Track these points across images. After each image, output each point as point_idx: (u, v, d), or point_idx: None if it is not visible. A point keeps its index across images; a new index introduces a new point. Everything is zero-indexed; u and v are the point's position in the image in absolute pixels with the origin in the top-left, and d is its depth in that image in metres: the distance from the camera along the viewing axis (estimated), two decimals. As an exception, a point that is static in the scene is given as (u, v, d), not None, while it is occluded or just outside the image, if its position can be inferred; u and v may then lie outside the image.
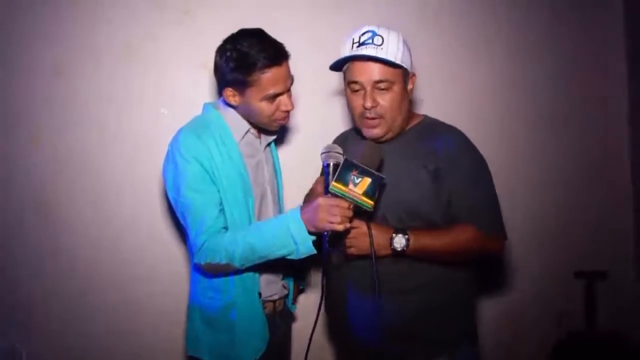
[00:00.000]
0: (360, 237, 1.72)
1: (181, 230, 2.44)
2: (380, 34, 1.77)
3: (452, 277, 1.85)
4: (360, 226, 1.72)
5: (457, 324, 1.87)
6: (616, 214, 2.93)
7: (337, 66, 1.85)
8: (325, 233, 1.64)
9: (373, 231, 1.70)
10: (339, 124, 2.41)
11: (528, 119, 2.87)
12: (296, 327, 2.24)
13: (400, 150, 1.84)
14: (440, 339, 1.83)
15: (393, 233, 1.73)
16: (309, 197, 1.98)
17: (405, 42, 1.82)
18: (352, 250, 1.75)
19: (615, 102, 2.91)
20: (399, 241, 1.73)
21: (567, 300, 2.88)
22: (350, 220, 1.66)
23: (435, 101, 2.62)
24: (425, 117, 1.97)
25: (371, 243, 1.69)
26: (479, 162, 1.87)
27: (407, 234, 1.73)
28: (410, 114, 1.93)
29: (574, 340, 2.81)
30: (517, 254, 2.80)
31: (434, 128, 1.91)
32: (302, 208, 1.72)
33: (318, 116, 2.54)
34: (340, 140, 2.04)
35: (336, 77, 2.01)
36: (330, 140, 2.00)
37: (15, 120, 2.35)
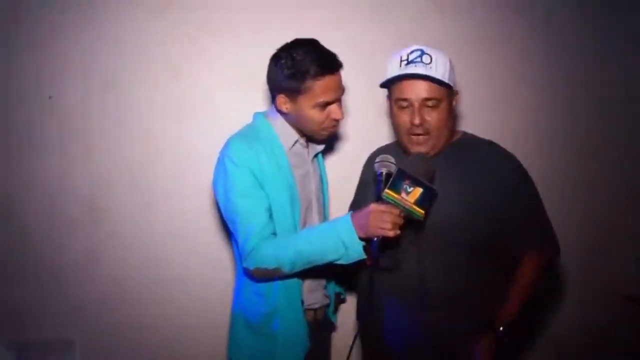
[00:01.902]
0: None
1: (228, 240, 2.51)
2: (428, 52, 1.81)
3: (484, 281, 1.87)
4: None
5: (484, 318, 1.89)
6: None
7: (384, 83, 1.89)
8: (375, 239, 1.66)
9: None
10: (387, 136, 2.42)
11: (574, 140, 2.85)
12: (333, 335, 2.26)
13: (444, 165, 1.85)
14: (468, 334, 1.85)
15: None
16: (353, 206, 2.00)
17: (451, 61, 1.86)
18: None
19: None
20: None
21: (616, 325, 2.80)
22: (400, 228, 1.68)
23: (477, 118, 2.64)
24: (465, 132, 2.02)
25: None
26: (524, 174, 1.92)
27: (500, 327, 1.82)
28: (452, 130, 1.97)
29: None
30: (565, 275, 2.76)
31: (475, 143, 1.96)
32: (352, 214, 1.75)
33: (367, 127, 2.57)
34: (382, 152, 2.05)
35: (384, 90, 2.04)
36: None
37: (72, 135, 2.41)
